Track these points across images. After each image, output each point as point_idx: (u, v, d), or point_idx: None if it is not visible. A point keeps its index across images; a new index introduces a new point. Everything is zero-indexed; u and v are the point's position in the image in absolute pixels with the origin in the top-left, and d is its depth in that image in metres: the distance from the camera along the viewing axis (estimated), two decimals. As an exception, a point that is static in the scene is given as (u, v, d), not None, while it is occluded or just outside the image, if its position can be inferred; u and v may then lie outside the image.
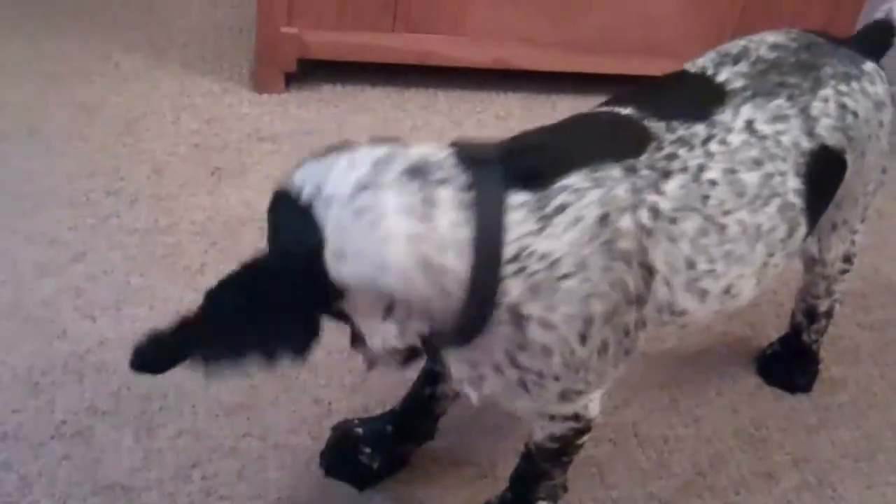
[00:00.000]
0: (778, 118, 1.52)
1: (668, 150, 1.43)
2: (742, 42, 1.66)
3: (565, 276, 1.30)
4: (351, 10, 2.57)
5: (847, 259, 1.89)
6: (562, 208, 1.30)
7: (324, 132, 2.54)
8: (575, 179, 1.32)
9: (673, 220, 1.39)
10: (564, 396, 1.44)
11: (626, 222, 1.34)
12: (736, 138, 1.48)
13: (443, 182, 1.26)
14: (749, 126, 1.50)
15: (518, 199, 1.29)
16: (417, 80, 2.74)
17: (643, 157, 1.41)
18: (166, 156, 2.43)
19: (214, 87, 2.66)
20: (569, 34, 2.66)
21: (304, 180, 1.26)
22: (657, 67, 1.80)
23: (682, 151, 1.43)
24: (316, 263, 1.23)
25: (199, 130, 2.52)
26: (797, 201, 1.52)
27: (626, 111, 1.50)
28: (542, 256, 1.29)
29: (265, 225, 2.24)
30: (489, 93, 2.72)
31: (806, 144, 1.53)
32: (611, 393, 1.94)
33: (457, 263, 1.25)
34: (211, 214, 2.28)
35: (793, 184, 1.51)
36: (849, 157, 1.61)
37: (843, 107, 1.59)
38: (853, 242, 1.86)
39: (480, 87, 2.65)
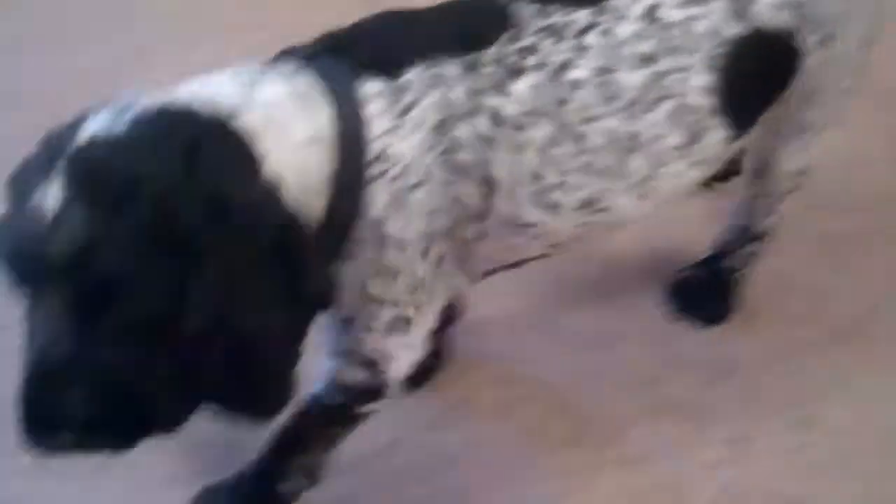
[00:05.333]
0: (696, 1, 1.35)
1: (526, 41, 1.28)
2: None
3: (415, 187, 1.20)
4: None
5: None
6: (410, 106, 1.20)
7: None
8: (414, 74, 1.21)
9: (519, 127, 1.26)
10: (394, 326, 1.31)
11: (463, 131, 1.22)
12: (626, 29, 1.31)
13: (297, 70, 1.18)
14: (650, 13, 1.33)
15: (373, 89, 1.19)
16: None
17: (491, 50, 1.26)
18: None
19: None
20: None
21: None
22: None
23: (545, 43, 1.28)
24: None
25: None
26: (703, 102, 1.35)
27: None
28: (398, 160, 1.19)
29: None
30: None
31: (730, 31, 1.35)
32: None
33: (323, 158, 1.16)
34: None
35: (698, 81, 1.34)
36: (803, 42, 1.43)
37: None
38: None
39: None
